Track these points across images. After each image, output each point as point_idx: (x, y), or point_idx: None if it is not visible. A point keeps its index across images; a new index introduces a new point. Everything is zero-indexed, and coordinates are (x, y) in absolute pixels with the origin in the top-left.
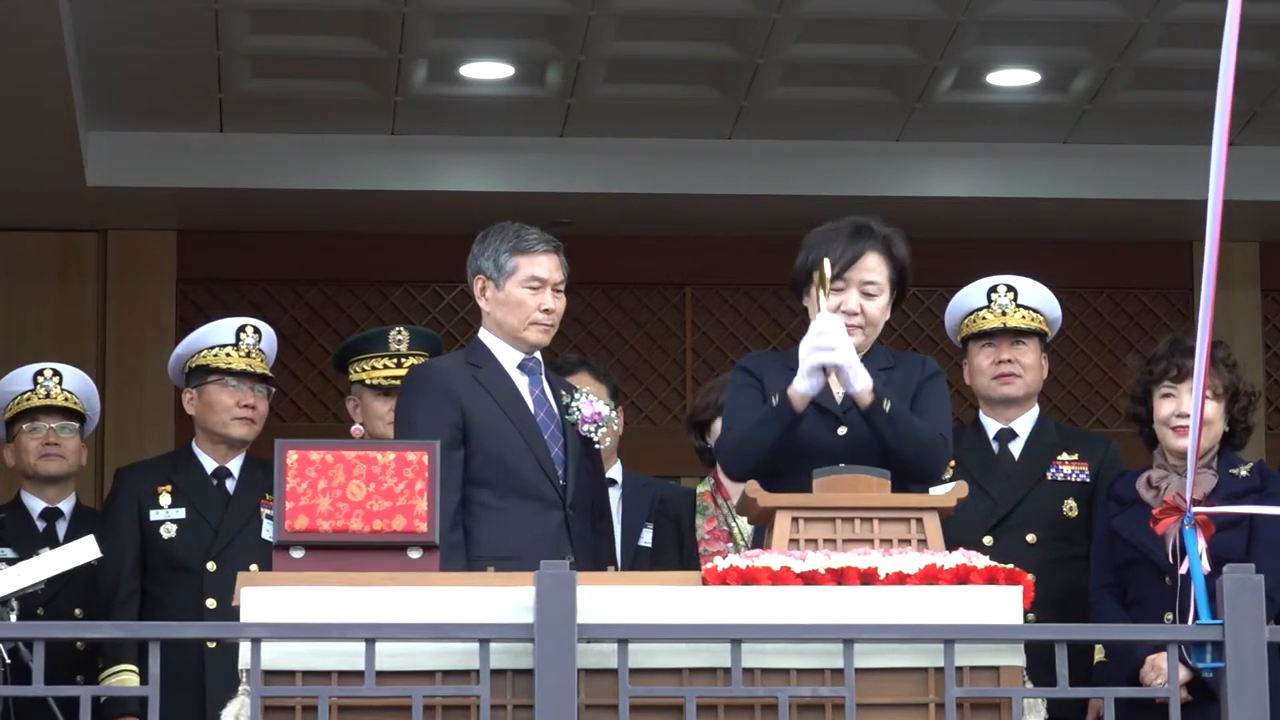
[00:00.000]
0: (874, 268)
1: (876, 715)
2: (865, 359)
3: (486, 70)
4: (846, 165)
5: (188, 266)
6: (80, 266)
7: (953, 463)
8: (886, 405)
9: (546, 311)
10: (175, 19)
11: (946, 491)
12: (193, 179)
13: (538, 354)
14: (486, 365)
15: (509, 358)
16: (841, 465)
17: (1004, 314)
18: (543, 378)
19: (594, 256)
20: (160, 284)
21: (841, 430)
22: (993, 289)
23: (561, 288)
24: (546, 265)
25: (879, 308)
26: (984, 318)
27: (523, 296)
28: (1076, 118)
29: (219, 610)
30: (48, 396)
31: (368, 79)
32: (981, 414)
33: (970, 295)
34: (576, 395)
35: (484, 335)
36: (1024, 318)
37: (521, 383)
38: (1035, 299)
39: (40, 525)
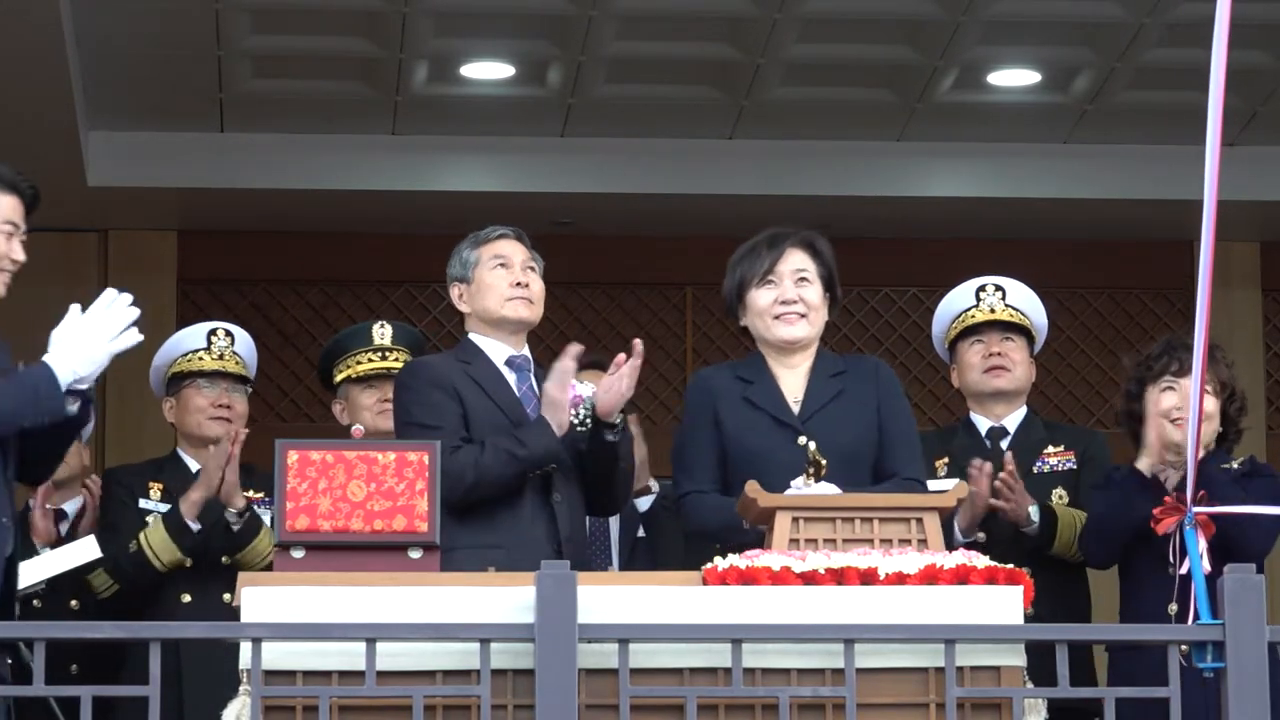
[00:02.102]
0: (799, 260)
1: (877, 715)
2: (815, 365)
3: (487, 70)
4: (846, 165)
5: (188, 266)
6: (81, 266)
7: (947, 459)
8: None
9: (519, 284)
10: (175, 19)
11: (946, 491)
12: (193, 179)
13: (526, 351)
14: (476, 361)
15: (497, 354)
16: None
17: (993, 311)
18: (531, 374)
19: (594, 256)
20: (161, 284)
21: (801, 440)
22: (981, 288)
23: (533, 267)
24: (507, 247)
25: (815, 296)
26: (973, 315)
27: (492, 279)
28: (1076, 118)
29: (194, 604)
30: None
31: (368, 79)
32: (972, 413)
33: (958, 297)
34: None
35: (472, 336)
36: (1012, 315)
37: (510, 378)
38: (1022, 301)
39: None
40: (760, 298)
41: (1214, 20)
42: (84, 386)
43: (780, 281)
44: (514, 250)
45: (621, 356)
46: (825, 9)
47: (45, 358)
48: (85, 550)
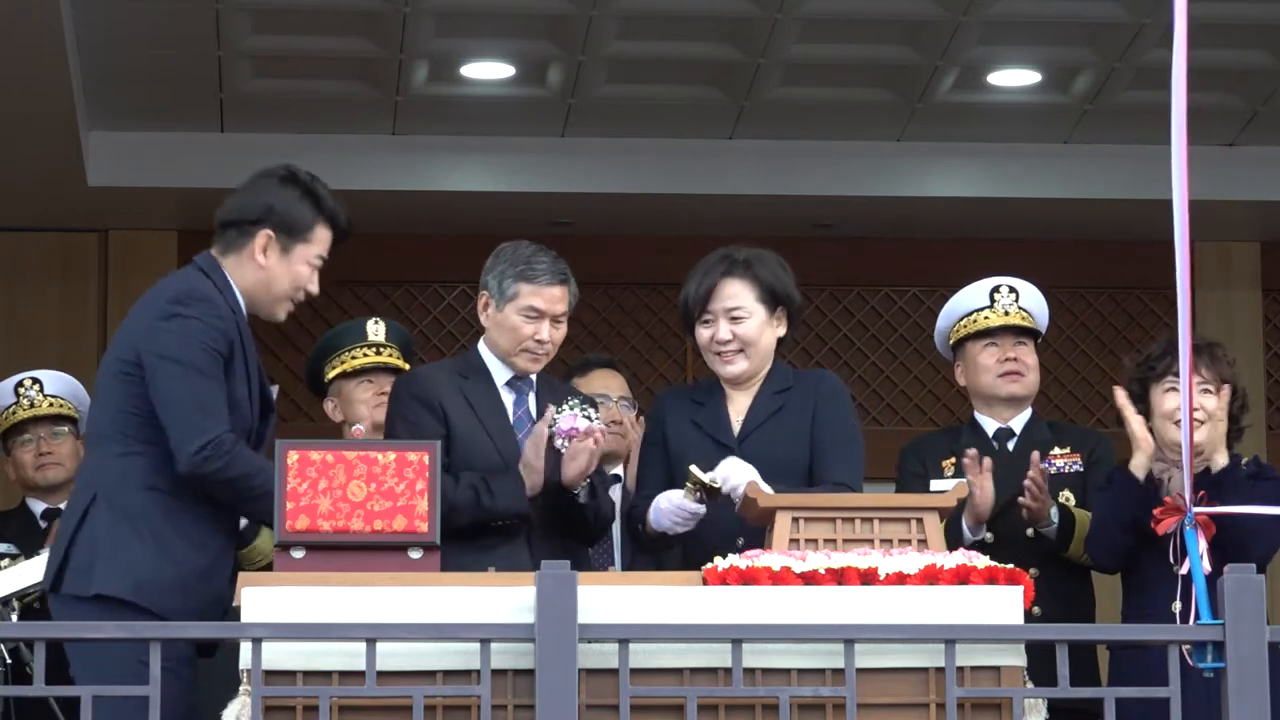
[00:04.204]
0: (734, 294)
1: (877, 715)
2: (764, 383)
3: (487, 70)
4: (846, 165)
5: None
6: (81, 266)
7: (953, 459)
8: None
9: (539, 341)
10: (176, 19)
11: (947, 491)
12: (193, 179)
13: (532, 374)
14: (474, 378)
15: (499, 374)
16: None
17: (1007, 314)
18: (530, 396)
19: (594, 256)
20: None
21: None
22: (995, 289)
23: (563, 319)
24: (549, 296)
25: (753, 329)
26: (986, 317)
27: (517, 323)
28: (1076, 118)
29: None
30: (32, 406)
31: (368, 79)
32: (978, 414)
33: (971, 295)
34: (563, 407)
35: (481, 347)
36: (1024, 319)
37: (508, 399)
38: (1033, 303)
39: (43, 525)
40: (700, 335)
41: (1214, 20)
42: None
43: (715, 320)
44: (552, 302)
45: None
46: (825, 9)
47: None
48: (36, 570)
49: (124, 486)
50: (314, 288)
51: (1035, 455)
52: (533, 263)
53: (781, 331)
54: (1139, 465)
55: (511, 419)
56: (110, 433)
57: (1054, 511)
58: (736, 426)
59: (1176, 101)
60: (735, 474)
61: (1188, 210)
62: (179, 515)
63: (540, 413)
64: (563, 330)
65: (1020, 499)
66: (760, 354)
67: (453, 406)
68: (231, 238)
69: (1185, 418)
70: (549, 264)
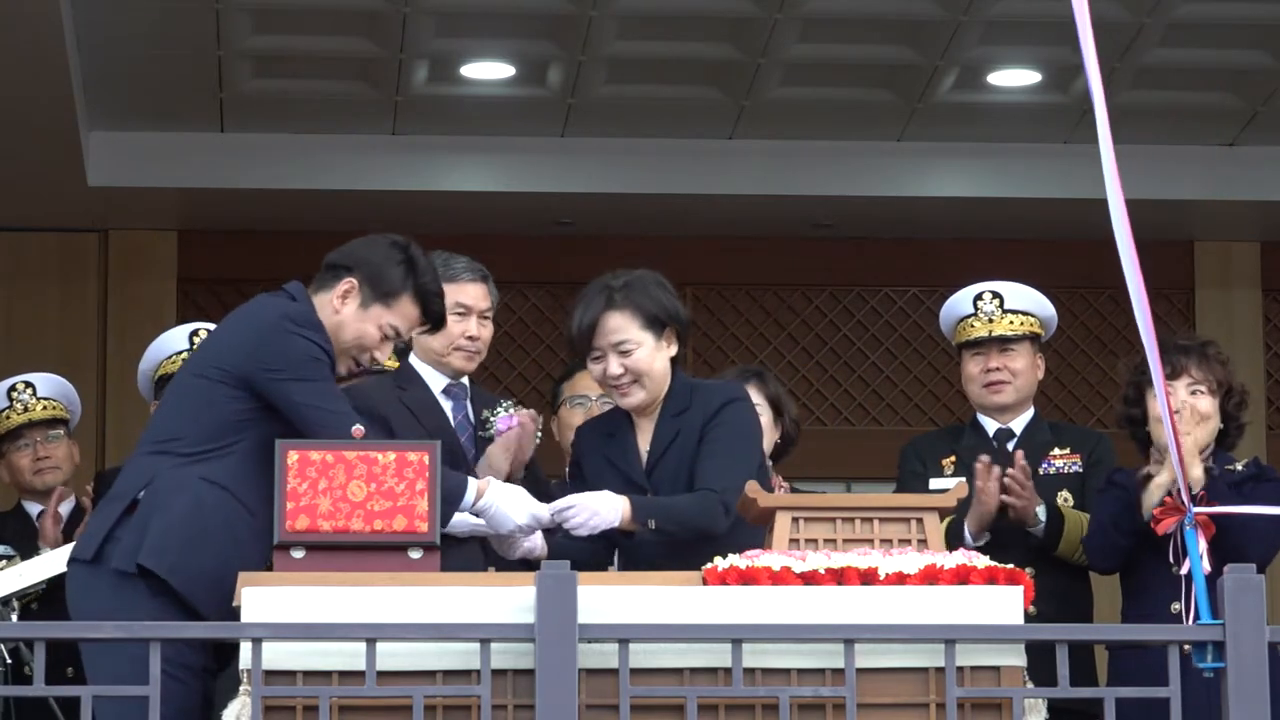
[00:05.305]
0: (618, 327)
1: (877, 715)
2: (663, 408)
3: (487, 70)
4: (846, 165)
5: (189, 266)
6: (81, 266)
7: (953, 459)
8: (651, 524)
9: (470, 338)
10: (176, 19)
11: (947, 491)
12: (194, 179)
13: (464, 380)
14: (411, 387)
15: (435, 382)
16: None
17: (990, 321)
18: (467, 403)
19: (594, 256)
20: (161, 284)
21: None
22: (978, 296)
23: (488, 315)
24: (472, 293)
25: (644, 358)
26: (971, 326)
27: (448, 322)
28: (1076, 118)
29: None
30: (26, 410)
31: (368, 79)
32: (979, 415)
33: (958, 303)
34: (496, 410)
35: (413, 359)
36: (1011, 323)
37: (446, 406)
38: (1023, 302)
39: (39, 527)
40: (592, 370)
41: (1214, 20)
42: (473, 518)
43: (605, 355)
44: (477, 298)
45: (526, 416)
46: (825, 9)
47: (483, 483)
48: (60, 561)
49: (182, 478)
50: (381, 355)
51: (1019, 454)
52: (450, 264)
53: (674, 351)
54: (1163, 481)
55: (453, 424)
56: (177, 434)
57: (1041, 510)
58: (645, 458)
59: (1098, 102)
60: (583, 514)
61: (1125, 210)
62: (227, 513)
63: (477, 417)
64: (489, 328)
65: (1003, 497)
66: (656, 380)
67: (395, 416)
68: (324, 278)
69: (1166, 419)
70: (466, 263)
